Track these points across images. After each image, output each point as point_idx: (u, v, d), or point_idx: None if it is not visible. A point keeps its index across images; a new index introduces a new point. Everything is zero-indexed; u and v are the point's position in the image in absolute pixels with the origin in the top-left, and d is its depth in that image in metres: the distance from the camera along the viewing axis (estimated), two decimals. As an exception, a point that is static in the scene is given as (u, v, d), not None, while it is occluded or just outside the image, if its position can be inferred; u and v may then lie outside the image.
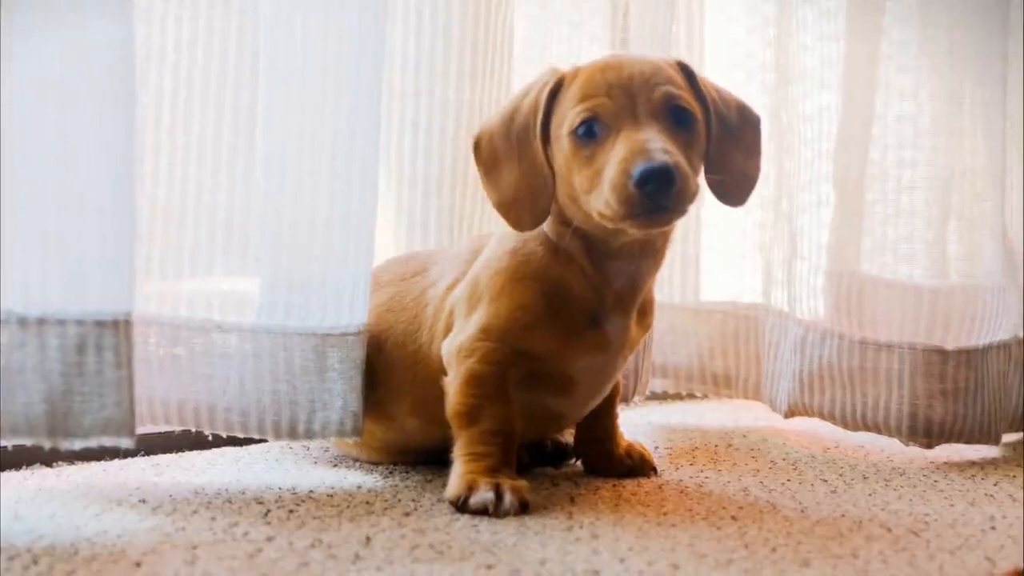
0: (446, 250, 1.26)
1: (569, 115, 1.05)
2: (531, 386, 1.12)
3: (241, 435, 1.15)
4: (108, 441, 0.98)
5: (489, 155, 1.11)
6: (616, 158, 1.01)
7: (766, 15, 1.55)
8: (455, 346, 1.11)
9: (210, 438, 1.21)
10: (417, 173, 1.36)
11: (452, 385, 1.10)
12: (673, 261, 1.59)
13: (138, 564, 0.86)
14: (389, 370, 1.17)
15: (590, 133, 1.04)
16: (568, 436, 1.29)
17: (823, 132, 1.46)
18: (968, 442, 1.39)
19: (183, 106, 1.15)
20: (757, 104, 1.54)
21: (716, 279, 1.64)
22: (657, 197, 0.99)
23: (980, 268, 1.46)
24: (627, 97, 1.04)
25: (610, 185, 1.00)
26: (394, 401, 1.17)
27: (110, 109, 0.99)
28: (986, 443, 1.40)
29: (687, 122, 1.06)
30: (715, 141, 1.10)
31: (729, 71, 1.62)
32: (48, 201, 0.97)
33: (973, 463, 1.36)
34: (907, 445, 1.40)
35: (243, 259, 1.16)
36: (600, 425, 1.23)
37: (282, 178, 1.13)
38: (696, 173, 1.06)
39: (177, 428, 1.16)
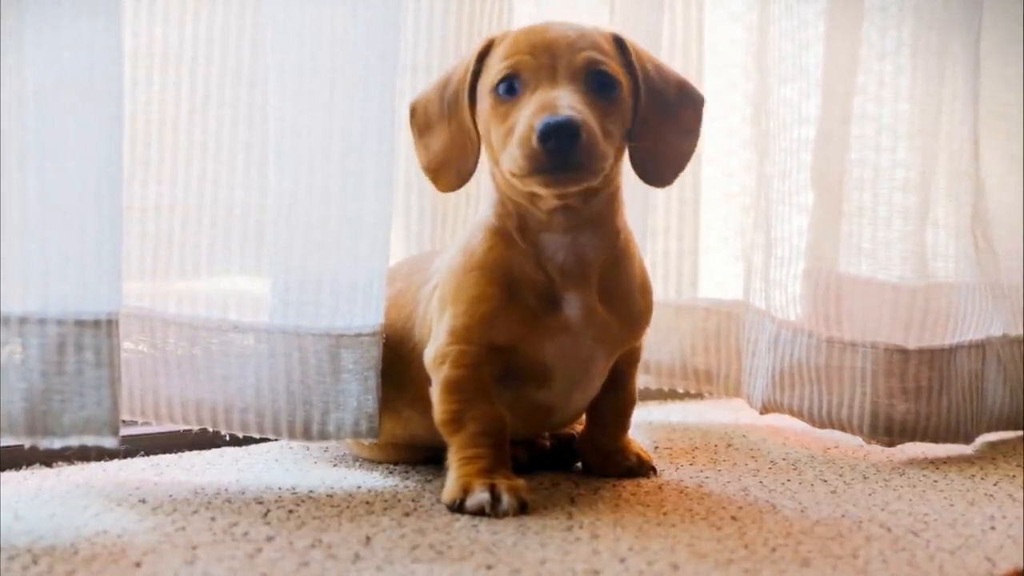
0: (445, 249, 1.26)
1: (491, 72, 1.07)
2: (511, 381, 1.12)
3: (257, 435, 1.16)
4: (90, 440, 0.98)
5: (423, 120, 1.14)
6: (525, 113, 1.02)
7: (759, 14, 1.55)
8: (431, 355, 1.11)
9: (211, 435, 1.21)
10: (398, 171, 1.36)
11: (434, 394, 1.10)
12: (657, 258, 1.59)
13: (138, 564, 0.86)
14: (393, 363, 1.17)
15: (510, 90, 1.06)
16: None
17: (804, 134, 1.46)
18: (934, 441, 1.39)
19: (200, 105, 1.16)
20: (753, 104, 1.56)
21: (701, 276, 1.64)
22: (560, 153, 0.99)
23: (951, 268, 1.46)
24: (549, 57, 1.05)
25: (517, 140, 1.02)
26: (397, 393, 1.18)
27: (95, 108, 0.98)
28: (954, 442, 1.40)
29: (609, 89, 1.06)
30: (645, 114, 1.10)
31: (725, 69, 1.62)
32: (31, 201, 0.97)
33: (973, 463, 1.36)
34: (868, 443, 1.41)
35: (258, 258, 1.17)
36: (604, 426, 1.22)
37: (295, 176, 1.13)
38: (614, 140, 1.06)
39: (195, 427, 1.16)
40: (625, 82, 1.08)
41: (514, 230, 1.11)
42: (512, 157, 1.02)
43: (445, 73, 1.15)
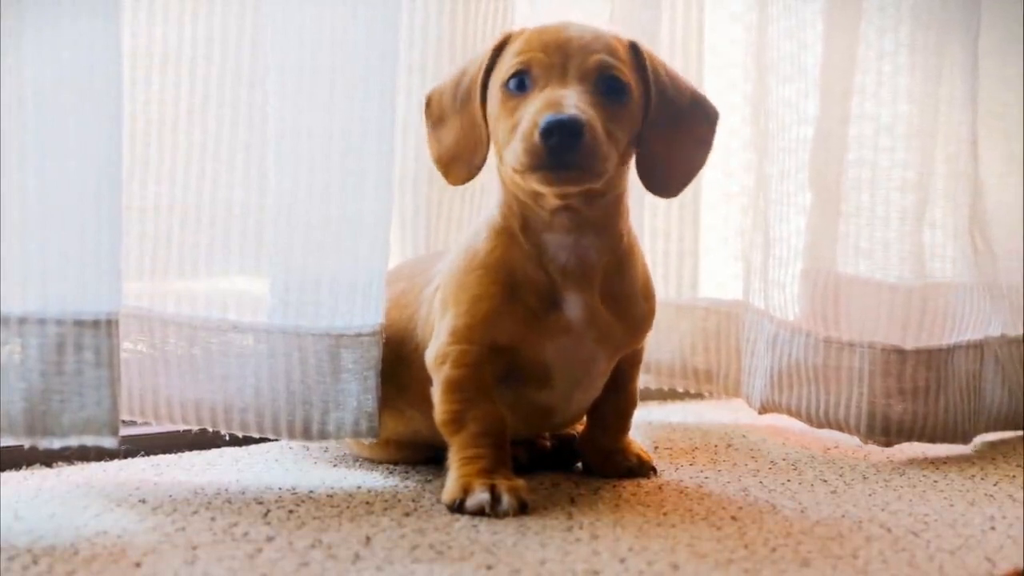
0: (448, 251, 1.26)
1: (503, 67, 1.08)
2: (512, 382, 1.12)
3: (256, 435, 1.16)
4: (89, 440, 0.98)
5: (437, 112, 1.14)
6: (531, 109, 1.03)
7: (759, 14, 1.55)
8: (432, 355, 1.11)
9: (211, 435, 1.21)
10: (392, 171, 1.35)
11: (435, 394, 1.10)
12: (657, 259, 1.59)
13: (138, 564, 0.86)
14: (395, 363, 1.17)
15: (521, 86, 1.06)
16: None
17: (803, 134, 1.46)
18: (931, 441, 1.39)
19: (200, 105, 1.16)
20: (752, 104, 1.56)
21: (701, 276, 1.64)
22: (561, 151, 0.99)
23: (948, 268, 1.47)
24: (561, 56, 1.05)
25: (521, 135, 1.02)
26: (399, 393, 1.18)
27: (95, 108, 0.98)
28: (952, 443, 1.40)
29: (618, 93, 1.06)
30: (654, 123, 1.10)
31: (725, 69, 1.62)
32: (31, 201, 0.97)
33: (973, 463, 1.36)
34: (865, 443, 1.41)
35: (258, 258, 1.17)
36: (605, 427, 1.22)
37: (295, 176, 1.13)
38: (618, 145, 1.06)
39: (195, 427, 1.17)
40: (636, 88, 1.08)
41: (518, 229, 1.11)
42: (515, 152, 1.02)
43: (461, 66, 1.15)
